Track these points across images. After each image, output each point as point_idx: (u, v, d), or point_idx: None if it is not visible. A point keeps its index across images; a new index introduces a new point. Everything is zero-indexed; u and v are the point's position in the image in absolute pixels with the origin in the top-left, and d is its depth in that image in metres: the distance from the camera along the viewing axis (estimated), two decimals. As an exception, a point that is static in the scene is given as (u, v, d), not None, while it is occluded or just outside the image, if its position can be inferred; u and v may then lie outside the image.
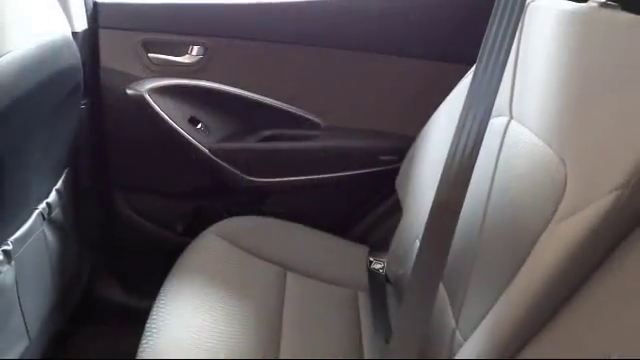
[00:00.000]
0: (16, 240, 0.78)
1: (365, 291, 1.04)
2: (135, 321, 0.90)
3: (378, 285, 1.06)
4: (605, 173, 0.55)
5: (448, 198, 0.77)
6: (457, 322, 0.78)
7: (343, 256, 1.12)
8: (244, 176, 1.15)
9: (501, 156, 0.80)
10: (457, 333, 0.77)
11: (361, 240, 1.19)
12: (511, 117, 0.82)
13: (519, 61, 0.83)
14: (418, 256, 0.78)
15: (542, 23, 0.79)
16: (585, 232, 0.56)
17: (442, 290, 0.84)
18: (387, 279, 1.08)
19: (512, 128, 0.80)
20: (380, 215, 1.21)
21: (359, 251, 1.14)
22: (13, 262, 0.78)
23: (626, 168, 0.52)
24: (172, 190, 1.22)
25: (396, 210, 1.10)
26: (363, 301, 1.02)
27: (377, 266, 1.10)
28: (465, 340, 0.73)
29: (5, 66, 0.64)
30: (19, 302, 0.81)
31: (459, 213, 0.76)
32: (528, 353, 0.61)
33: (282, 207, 1.19)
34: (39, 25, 0.76)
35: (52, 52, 0.76)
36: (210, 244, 1.05)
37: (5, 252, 0.75)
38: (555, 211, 0.61)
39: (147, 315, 0.87)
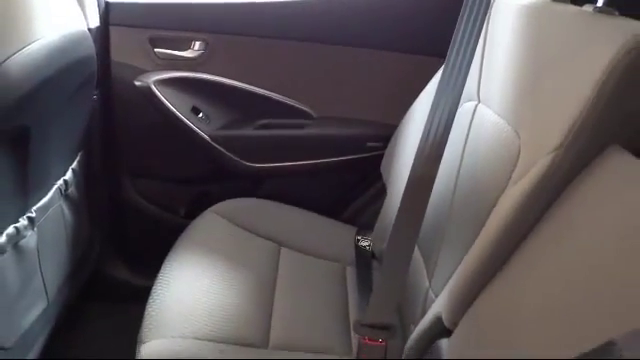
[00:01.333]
0: (39, 209, 0.88)
1: (352, 265, 1.12)
2: (140, 299, 0.96)
3: (364, 260, 1.14)
4: (546, 139, 0.65)
5: (422, 173, 0.86)
6: (430, 282, 0.87)
7: (333, 234, 1.21)
8: (242, 161, 1.25)
9: (469, 136, 0.89)
10: (430, 292, 0.86)
11: (350, 221, 1.28)
12: (479, 101, 0.91)
13: (486, 52, 0.92)
14: (395, 224, 0.87)
15: (505, 17, 0.89)
16: (528, 191, 0.65)
17: (418, 254, 0.93)
18: (373, 255, 1.17)
19: (479, 111, 0.90)
20: (368, 198, 1.30)
21: (348, 230, 1.23)
22: (36, 229, 0.87)
23: (561, 133, 0.62)
24: (175, 175, 1.32)
25: (382, 193, 1.18)
26: (350, 274, 1.10)
27: (364, 243, 1.19)
28: (436, 297, 0.83)
29: (34, 52, 0.74)
30: (40, 266, 0.91)
31: (432, 186, 0.85)
32: (480, 303, 0.70)
33: (277, 191, 1.28)
34: (60, 19, 0.86)
35: (72, 43, 0.86)
36: (211, 222, 1.14)
37: (29, 219, 0.85)
38: (510, 178, 0.71)
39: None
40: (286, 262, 1.08)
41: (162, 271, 0.97)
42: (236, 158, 1.24)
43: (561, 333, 0.53)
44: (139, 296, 1.00)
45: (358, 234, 1.21)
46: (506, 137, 0.76)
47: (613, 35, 0.59)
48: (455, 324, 0.72)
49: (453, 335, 0.72)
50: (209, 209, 1.17)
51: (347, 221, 1.28)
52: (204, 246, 1.05)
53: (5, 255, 0.79)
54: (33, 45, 0.75)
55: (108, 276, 1.34)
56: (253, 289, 0.96)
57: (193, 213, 1.19)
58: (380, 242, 1.12)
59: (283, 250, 1.11)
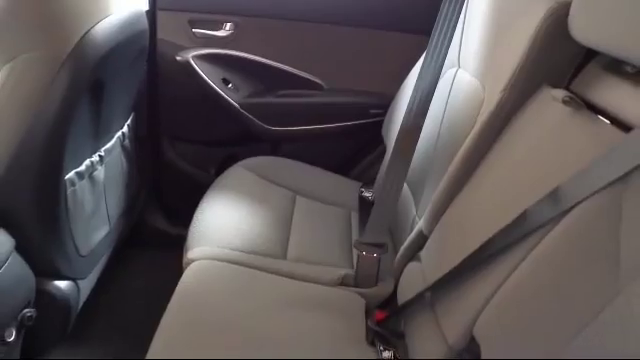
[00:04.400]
0: (106, 151, 1.11)
1: (356, 211, 1.34)
2: (175, 247, 1.16)
3: (366, 207, 1.34)
4: (497, 84, 0.85)
5: (410, 125, 1.07)
6: (417, 211, 1.08)
7: (340, 187, 1.42)
8: (264, 125, 1.47)
9: (450, 95, 1.09)
10: (416, 218, 1.07)
11: (356, 178, 1.49)
12: (459, 66, 1.12)
13: (465, 25, 1.12)
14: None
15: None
16: (483, 125, 0.86)
17: (407, 190, 1.14)
18: (373, 204, 1.38)
19: (459, 75, 1.10)
20: (371, 158, 1.52)
21: (353, 184, 1.44)
22: (103, 166, 1.11)
23: (506, 78, 0.83)
24: (207, 138, 1.54)
25: (383, 153, 1.39)
26: (354, 217, 1.32)
27: (366, 194, 1.40)
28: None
29: (109, 23, 0.97)
30: (105, 196, 1.14)
31: (418, 135, 1.06)
32: (448, 212, 0.90)
33: (293, 151, 1.49)
34: (126, 1, 1.09)
35: (134, 19, 1.09)
36: (238, 174, 1.36)
37: (100, 157, 1.08)
38: (475, 121, 0.91)
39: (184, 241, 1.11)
40: (301, 205, 1.29)
41: (200, 205, 1.19)
42: (259, 122, 1.46)
43: (496, 225, 0.73)
44: (174, 244, 1.21)
45: (362, 187, 1.42)
46: (475, 90, 0.97)
47: (546, 0, 0.79)
48: (430, 231, 0.94)
49: (428, 240, 0.94)
50: (236, 164, 1.39)
51: (353, 178, 1.49)
52: (233, 190, 1.26)
53: (83, 181, 1.02)
54: (108, 18, 0.97)
55: (149, 225, 1.57)
56: (274, 220, 1.18)
57: (222, 172, 1.40)
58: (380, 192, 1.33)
59: (298, 197, 1.32)
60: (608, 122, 0.67)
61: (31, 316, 0.90)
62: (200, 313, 0.86)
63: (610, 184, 0.56)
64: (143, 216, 1.54)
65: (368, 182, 1.45)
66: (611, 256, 0.54)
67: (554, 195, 0.63)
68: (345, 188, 1.42)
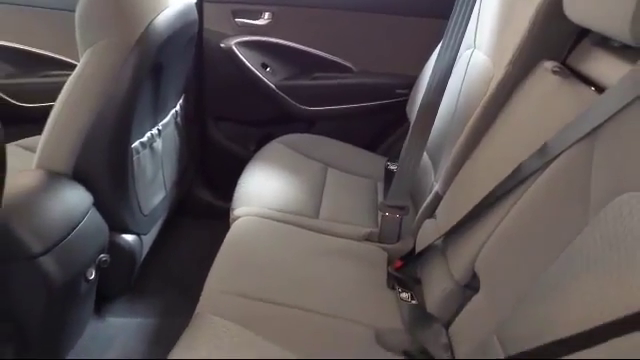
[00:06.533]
0: (163, 125, 1.28)
1: (382, 181, 1.47)
2: (218, 217, 1.31)
3: (392, 178, 1.46)
4: (504, 59, 0.97)
5: (429, 100, 1.20)
6: (435, 176, 1.21)
7: (368, 161, 1.56)
8: (299, 105, 1.62)
9: (466, 74, 1.21)
10: (434, 183, 1.20)
11: (382, 154, 1.62)
12: (475, 47, 1.23)
13: (481, 8, 1.23)
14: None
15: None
16: (489, 97, 0.99)
17: (427, 159, 1.27)
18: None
19: (474, 55, 1.22)
20: (397, 136, 1.65)
21: (380, 159, 1.57)
22: (161, 138, 1.28)
23: (511, 53, 0.95)
24: (248, 118, 1.70)
25: (408, 130, 1.52)
26: (380, 188, 1.45)
27: (392, 167, 1.53)
28: (437, 185, 1.17)
29: (167, 14, 1.13)
30: (162, 165, 1.31)
31: (437, 110, 1.19)
32: (459, 174, 1.03)
33: (326, 129, 1.64)
34: (178, -6, 1.25)
35: (186, 10, 1.25)
36: (276, 148, 1.51)
37: (158, 130, 1.25)
38: (485, 94, 1.03)
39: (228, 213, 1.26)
40: (332, 176, 1.44)
41: (243, 173, 1.35)
42: (295, 103, 1.61)
43: (497, 180, 0.85)
44: (218, 215, 1.36)
45: (388, 161, 1.55)
46: (486, 67, 1.09)
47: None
48: (445, 192, 1.07)
49: (443, 199, 1.07)
50: (274, 140, 1.55)
51: (380, 153, 1.63)
52: (272, 162, 1.42)
53: (145, 150, 1.19)
54: (166, 10, 1.14)
55: (196, 197, 1.74)
56: (308, 187, 1.33)
57: (260, 149, 1.56)
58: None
59: (330, 169, 1.47)
60: (592, 89, 0.78)
61: (106, 260, 1.07)
62: (247, 257, 1.02)
63: (585, 136, 0.68)
64: (191, 189, 1.71)
65: (394, 157, 1.57)
66: (583, 194, 0.66)
67: (542, 149, 0.75)
68: (372, 162, 1.55)
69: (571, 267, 0.64)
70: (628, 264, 0.55)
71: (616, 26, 0.72)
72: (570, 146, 0.70)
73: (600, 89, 0.76)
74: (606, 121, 0.65)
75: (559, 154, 0.71)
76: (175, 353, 0.80)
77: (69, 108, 1.03)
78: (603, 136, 0.66)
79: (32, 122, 1.20)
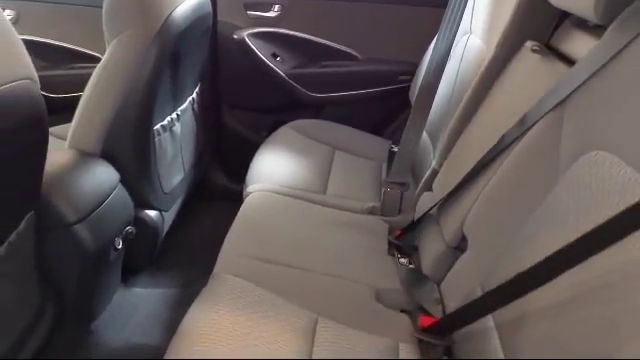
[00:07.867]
0: (181, 111, 1.39)
1: (385, 162, 1.56)
2: (232, 199, 1.39)
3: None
4: (493, 42, 1.05)
5: (428, 82, 1.28)
6: (434, 156, 1.30)
7: (373, 144, 1.65)
8: (308, 92, 1.71)
9: (462, 58, 1.30)
10: (433, 161, 1.29)
11: (387, 138, 1.71)
12: (470, 33, 1.31)
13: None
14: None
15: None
16: (480, 76, 1.07)
17: (427, 139, 1.36)
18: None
19: (470, 40, 1.30)
20: (401, 120, 1.73)
21: (385, 142, 1.66)
22: (180, 123, 1.38)
23: (499, 34, 1.03)
24: (260, 105, 1.80)
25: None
26: (384, 168, 1.54)
27: (396, 149, 1.61)
28: (436, 162, 1.25)
29: (184, 7, 1.23)
30: (181, 149, 1.42)
31: (435, 91, 1.27)
32: (453, 149, 1.11)
33: (333, 115, 1.73)
34: (194, -12, 1.35)
35: (202, 3, 1.34)
36: (286, 133, 1.61)
37: (177, 115, 1.36)
38: (477, 76, 1.12)
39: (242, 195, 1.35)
40: (339, 157, 1.53)
41: (256, 155, 1.46)
42: (304, 90, 1.71)
43: (484, 147, 0.94)
44: (232, 197, 1.46)
45: (392, 144, 1.64)
46: (480, 50, 1.17)
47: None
48: (441, 166, 1.15)
49: (439, 173, 1.15)
50: (284, 125, 1.64)
51: (385, 137, 1.71)
52: (283, 145, 1.52)
53: (166, 133, 1.30)
54: (184, 3, 1.24)
55: (211, 180, 1.85)
56: (316, 167, 1.43)
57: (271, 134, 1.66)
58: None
59: (337, 152, 1.56)
60: (567, 65, 0.86)
61: (132, 232, 1.18)
62: (260, 224, 1.12)
63: (556, 106, 0.77)
64: (207, 172, 1.82)
65: (398, 140, 1.65)
66: (554, 157, 0.74)
67: (521, 120, 0.84)
68: (377, 145, 1.64)
69: (543, 221, 0.72)
70: (588, 213, 0.64)
71: (584, 6, 0.80)
72: (543, 116, 0.78)
73: (573, 65, 0.84)
74: (573, 92, 0.74)
75: (534, 124, 0.80)
76: (194, 309, 0.89)
77: (97, 94, 1.13)
78: (571, 105, 0.75)
79: (60, 112, 1.31)
